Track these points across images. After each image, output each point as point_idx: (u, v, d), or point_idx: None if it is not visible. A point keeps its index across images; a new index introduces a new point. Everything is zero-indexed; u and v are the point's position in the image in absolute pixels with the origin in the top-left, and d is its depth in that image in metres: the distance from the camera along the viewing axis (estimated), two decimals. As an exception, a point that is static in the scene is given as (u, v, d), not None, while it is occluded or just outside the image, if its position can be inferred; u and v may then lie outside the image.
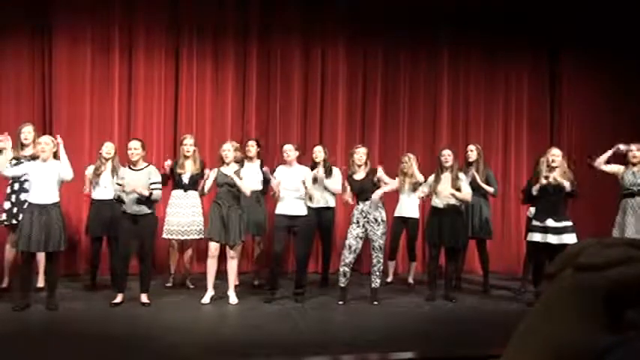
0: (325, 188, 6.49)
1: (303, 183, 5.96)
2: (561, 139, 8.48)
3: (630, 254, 0.45)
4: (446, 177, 6.13)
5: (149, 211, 5.70)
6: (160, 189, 5.76)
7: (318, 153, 6.62)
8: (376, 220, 5.93)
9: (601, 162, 6.12)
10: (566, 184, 5.77)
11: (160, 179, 5.80)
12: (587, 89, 8.45)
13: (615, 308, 0.44)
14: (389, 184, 6.01)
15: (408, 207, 6.83)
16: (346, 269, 6.01)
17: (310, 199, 6.15)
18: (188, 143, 6.44)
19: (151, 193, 5.61)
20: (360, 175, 6.05)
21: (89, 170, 6.29)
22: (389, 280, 7.12)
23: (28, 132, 6.03)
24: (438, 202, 6.15)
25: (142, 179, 5.66)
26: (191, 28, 7.63)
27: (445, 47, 8.23)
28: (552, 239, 5.76)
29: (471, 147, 6.80)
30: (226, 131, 7.63)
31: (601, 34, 7.93)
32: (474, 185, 6.44)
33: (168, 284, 6.59)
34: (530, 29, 8.14)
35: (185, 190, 6.39)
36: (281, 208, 5.98)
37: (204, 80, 7.69)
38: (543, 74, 8.54)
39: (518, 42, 8.22)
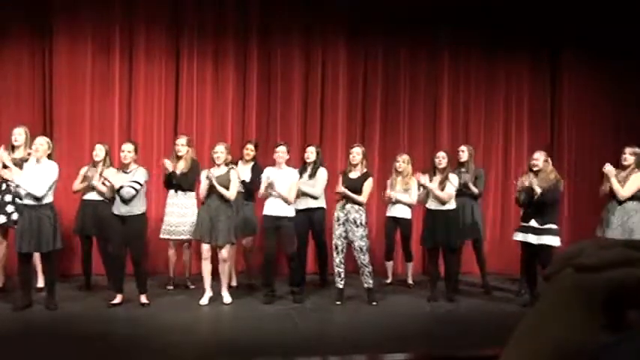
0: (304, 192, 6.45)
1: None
2: (561, 138, 8.49)
3: (629, 256, 0.45)
4: (436, 179, 6.16)
5: (138, 212, 5.67)
6: (134, 188, 5.62)
7: (310, 154, 6.56)
8: (355, 221, 5.94)
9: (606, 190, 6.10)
10: (537, 189, 5.76)
11: (141, 179, 5.70)
12: (587, 89, 8.46)
13: (615, 309, 0.44)
14: (359, 197, 5.97)
15: (400, 207, 6.81)
16: (339, 269, 6.03)
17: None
18: (180, 144, 6.46)
19: (121, 187, 5.58)
20: (354, 174, 6.05)
21: (83, 170, 6.29)
22: (388, 281, 7.10)
23: (18, 134, 5.93)
24: (430, 204, 6.16)
25: (128, 181, 5.67)
26: (191, 28, 7.63)
27: (445, 47, 8.22)
28: (532, 239, 5.79)
29: (463, 148, 6.83)
30: (226, 131, 7.63)
31: (601, 34, 7.93)
32: (464, 188, 6.48)
33: (170, 287, 6.58)
34: (531, 29, 8.14)
35: (175, 191, 6.39)
36: (267, 209, 5.98)
37: (204, 80, 7.68)
38: (543, 74, 8.54)
39: (518, 42, 8.22)
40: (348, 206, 5.96)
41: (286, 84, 7.86)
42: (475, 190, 6.65)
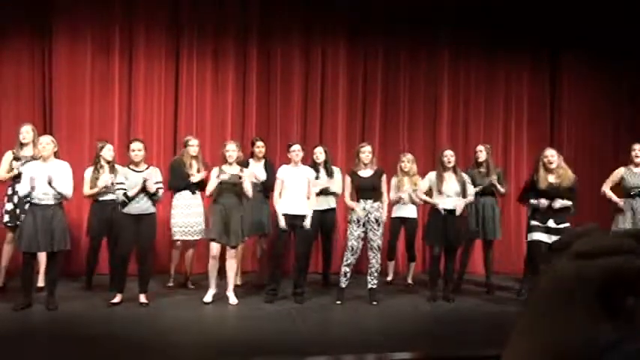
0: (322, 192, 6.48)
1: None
2: (561, 138, 8.49)
3: (626, 244, 0.44)
4: (449, 176, 6.12)
5: (152, 211, 5.73)
6: (162, 188, 5.85)
7: (320, 154, 6.60)
8: (377, 220, 5.94)
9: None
10: (572, 210, 5.80)
11: (161, 179, 5.85)
12: (586, 88, 8.46)
13: (611, 297, 0.43)
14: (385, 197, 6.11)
15: (407, 207, 6.81)
16: (346, 270, 6.01)
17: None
18: (194, 144, 6.46)
19: (157, 191, 5.69)
20: (365, 172, 6.04)
21: (88, 172, 6.27)
22: (389, 279, 7.10)
23: (26, 132, 6.00)
24: (448, 204, 6.10)
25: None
26: (191, 28, 7.62)
27: (445, 47, 8.22)
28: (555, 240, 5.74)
29: (480, 147, 6.76)
30: (226, 131, 7.63)
31: (601, 34, 7.93)
32: (487, 187, 6.49)
33: (170, 284, 6.58)
34: (530, 29, 8.14)
35: (193, 192, 6.39)
36: (283, 208, 5.98)
37: (204, 80, 7.68)
38: (543, 73, 8.54)
39: (518, 41, 8.22)
40: (368, 206, 5.95)
41: (286, 84, 7.86)
42: (502, 189, 6.67)
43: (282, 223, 5.92)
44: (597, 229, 0.48)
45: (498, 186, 6.63)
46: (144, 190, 5.62)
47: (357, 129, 8.07)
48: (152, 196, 5.68)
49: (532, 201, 5.92)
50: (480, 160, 6.69)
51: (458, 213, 6.02)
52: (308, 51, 7.96)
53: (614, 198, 6.11)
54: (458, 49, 8.25)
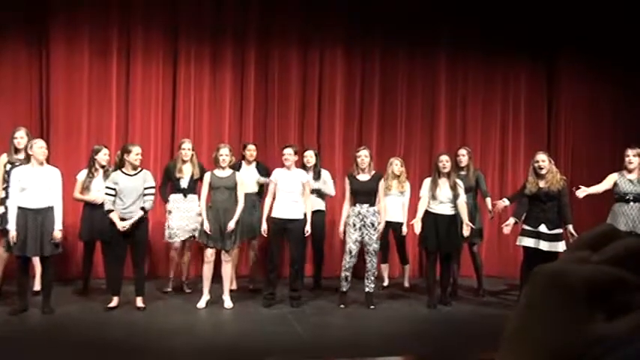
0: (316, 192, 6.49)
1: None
2: (558, 140, 8.50)
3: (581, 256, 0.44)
4: (443, 182, 6.11)
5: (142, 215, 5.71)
6: (153, 194, 5.83)
7: (310, 158, 6.61)
8: (372, 224, 5.93)
9: (589, 191, 5.96)
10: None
11: (153, 184, 5.82)
12: (584, 91, 8.47)
13: (602, 300, 0.42)
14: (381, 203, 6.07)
15: (394, 211, 6.77)
16: (346, 274, 6.00)
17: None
18: (186, 147, 6.43)
19: (143, 209, 5.67)
20: (363, 176, 6.03)
21: (82, 175, 6.26)
22: (385, 284, 7.08)
23: (20, 137, 5.97)
24: (435, 207, 6.12)
25: (138, 184, 5.68)
26: (189, 31, 7.61)
27: (442, 50, 8.23)
28: (544, 246, 5.74)
29: (463, 151, 6.71)
30: (224, 134, 7.61)
31: (599, 36, 7.94)
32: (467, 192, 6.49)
33: (168, 289, 6.56)
34: (528, 30, 8.15)
35: (185, 195, 6.37)
36: (276, 212, 5.96)
37: (201, 83, 7.67)
38: (541, 75, 8.55)
39: (516, 43, 8.23)
40: (364, 210, 5.93)
41: (284, 86, 7.86)
42: (489, 205, 6.65)
43: (264, 227, 5.95)
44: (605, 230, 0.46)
45: (463, 203, 6.59)
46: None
47: (354, 132, 8.06)
48: (143, 215, 5.69)
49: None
50: (463, 164, 6.66)
51: (466, 234, 6.11)
52: (305, 54, 7.96)
53: (587, 191, 5.98)
54: (455, 52, 8.25)
